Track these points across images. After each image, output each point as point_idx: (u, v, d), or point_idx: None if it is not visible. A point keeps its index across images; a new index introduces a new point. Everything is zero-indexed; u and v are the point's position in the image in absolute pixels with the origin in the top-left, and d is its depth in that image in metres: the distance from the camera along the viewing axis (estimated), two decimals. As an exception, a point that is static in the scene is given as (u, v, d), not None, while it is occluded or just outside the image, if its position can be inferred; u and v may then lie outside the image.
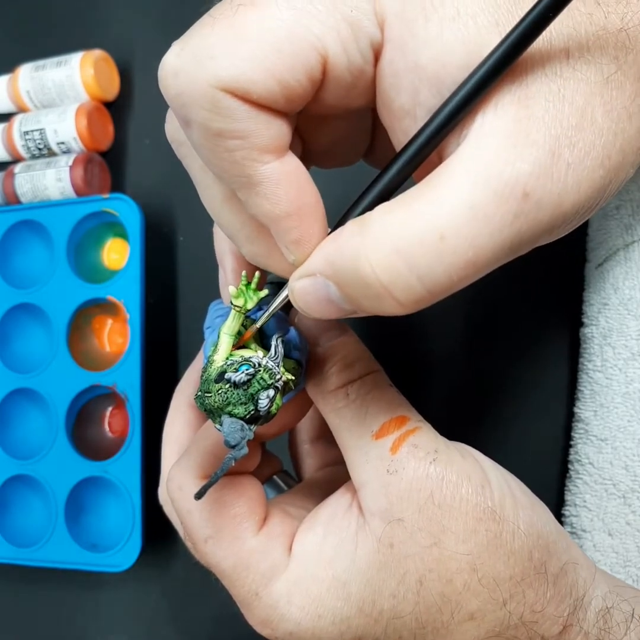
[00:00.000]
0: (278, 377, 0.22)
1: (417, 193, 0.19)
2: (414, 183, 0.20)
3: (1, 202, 0.48)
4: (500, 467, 0.25)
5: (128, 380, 0.42)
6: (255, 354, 0.23)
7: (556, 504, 0.37)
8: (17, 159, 0.49)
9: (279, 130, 0.20)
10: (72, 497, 0.43)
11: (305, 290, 0.21)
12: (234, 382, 0.22)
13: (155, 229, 0.46)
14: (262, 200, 0.20)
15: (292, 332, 0.25)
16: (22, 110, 0.49)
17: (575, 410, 0.36)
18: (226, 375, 0.22)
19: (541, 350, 0.39)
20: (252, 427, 0.22)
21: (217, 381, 0.22)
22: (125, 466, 0.42)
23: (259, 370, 0.22)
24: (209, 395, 0.22)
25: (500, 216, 0.18)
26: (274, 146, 0.20)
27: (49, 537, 0.43)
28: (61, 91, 0.47)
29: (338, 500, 0.25)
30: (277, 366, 0.22)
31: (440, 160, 0.19)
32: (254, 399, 0.22)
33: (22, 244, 0.47)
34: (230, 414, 0.22)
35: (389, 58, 0.19)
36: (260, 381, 0.22)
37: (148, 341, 0.43)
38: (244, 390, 0.22)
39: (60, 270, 0.44)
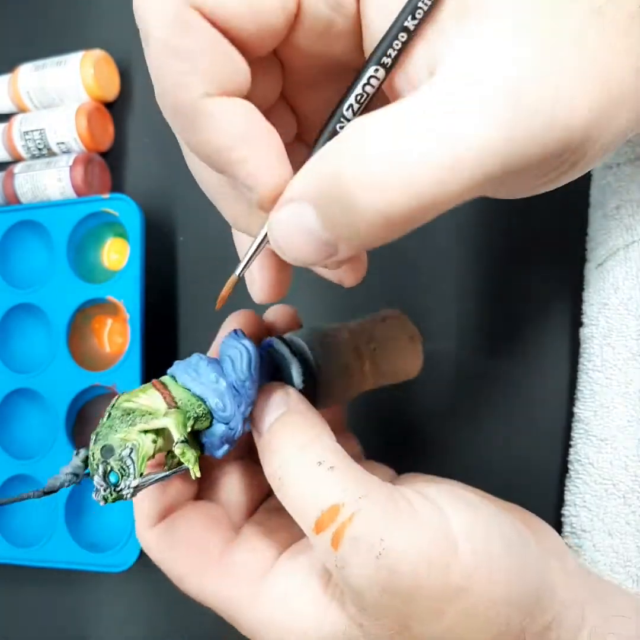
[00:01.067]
0: (116, 491, 0.23)
1: (398, 101, 0.17)
2: None
3: (1, 202, 0.48)
4: (481, 506, 0.24)
5: (128, 381, 0.42)
6: (119, 463, 0.23)
7: (556, 504, 0.37)
8: (17, 159, 0.49)
9: (236, 68, 0.19)
10: (72, 497, 0.43)
11: (283, 222, 0.19)
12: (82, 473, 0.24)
13: (155, 229, 0.46)
14: (204, 135, 0.19)
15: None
16: (22, 110, 0.49)
17: (575, 410, 0.36)
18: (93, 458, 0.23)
19: (541, 350, 0.39)
20: (75, 481, 0.24)
21: (94, 442, 0.23)
22: (125, 466, 0.42)
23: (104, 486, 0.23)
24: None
25: (488, 116, 0.16)
26: (226, 85, 0.18)
27: (49, 537, 0.43)
28: (61, 91, 0.47)
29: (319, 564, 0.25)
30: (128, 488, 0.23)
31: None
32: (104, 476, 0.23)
33: (22, 244, 0.47)
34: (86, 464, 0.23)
35: None
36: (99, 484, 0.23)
37: (148, 341, 0.43)
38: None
39: (60, 270, 0.44)
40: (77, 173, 0.45)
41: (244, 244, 0.25)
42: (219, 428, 0.25)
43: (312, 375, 0.28)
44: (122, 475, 0.22)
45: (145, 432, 0.23)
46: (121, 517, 0.43)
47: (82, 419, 0.45)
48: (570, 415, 0.37)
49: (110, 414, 0.24)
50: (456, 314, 0.41)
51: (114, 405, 0.24)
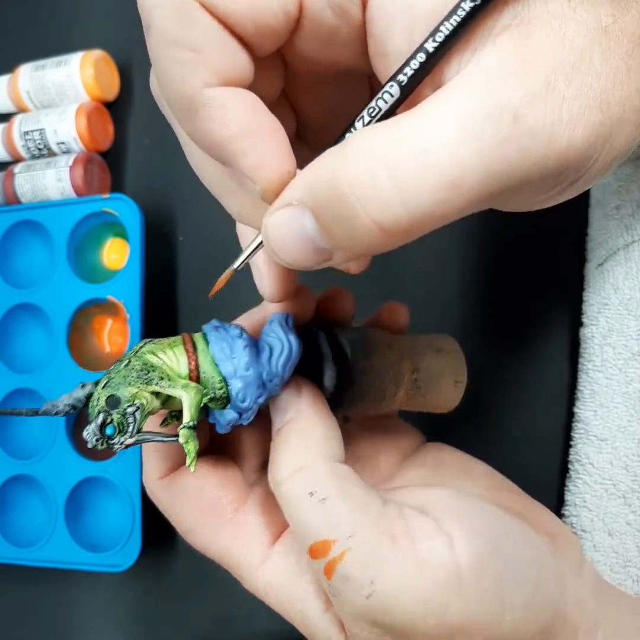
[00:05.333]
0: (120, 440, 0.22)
1: (403, 114, 0.18)
2: None
3: (1, 202, 0.48)
4: (500, 525, 0.23)
5: (128, 380, 0.42)
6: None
7: (556, 504, 0.37)
8: (17, 159, 0.49)
9: (239, 60, 0.19)
10: (72, 497, 0.43)
11: (279, 224, 0.19)
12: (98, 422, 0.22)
13: (155, 229, 0.46)
14: (208, 124, 0.18)
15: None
16: (22, 110, 0.49)
17: (575, 410, 0.36)
18: (111, 398, 0.22)
19: (541, 350, 0.39)
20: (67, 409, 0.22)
21: (107, 399, 0.22)
22: (125, 466, 0.42)
23: (111, 414, 0.22)
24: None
25: (488, 137, 0.17)
26: (228, 76, 0.18)
27: (49, 537, 0.43)
28: (61, 91, 0.47)
29: None
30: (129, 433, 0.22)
31: None
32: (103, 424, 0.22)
33: (22, 244, 0.47)
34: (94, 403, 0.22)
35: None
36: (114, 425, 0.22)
37: (148, 341, 0.43)
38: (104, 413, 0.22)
39: (60, 270, 0.44)
40: (77, 173, 0.45)
41: (246, 236, 0.25)
42: (230, 414, 0.24)
43: (343, 388, 0.26)
44: (120, 431, 0.22)
45: (157, 394, 0.22)
46: (121, 517, 0.43)
47: (82, 419, 0.45)
48: (570, 415, 0.37)
49: (129, 362, 0.22)
50: (456, 313, 0.41)
51: (136, 352, 0.22)
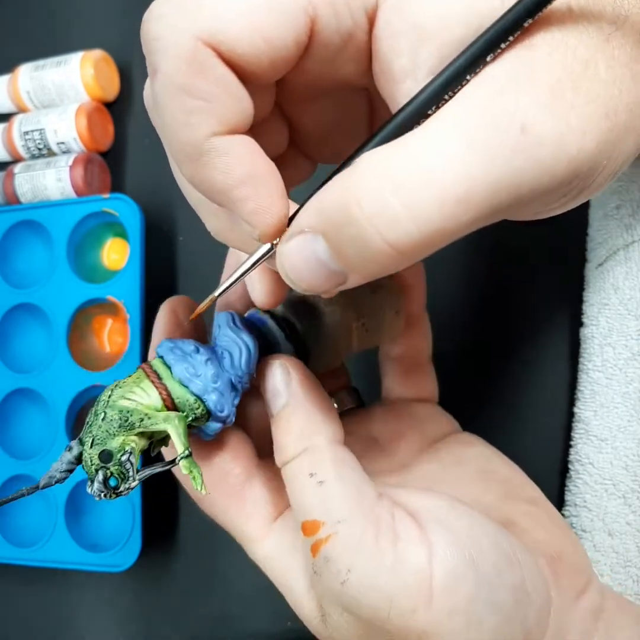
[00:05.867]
0: (118, 489, 0.23)
1: (409, 135, 0.18)
2: None
3: (1, 202, 0.48)
4: (491, 546, 0.22)
5: (128, 380, 0.42)
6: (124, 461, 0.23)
7: (556, 504, 0.37)
8: (17, 159, 0.49)
9: (245, 107, 0.19)
10: (72, 497, 0.43)
11: (292, 252, 0.19)
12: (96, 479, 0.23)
13: (155, 229, 0.46)
14: (210, 172, 0.18)
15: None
16: (22, 110, 0.49)
17: (575, 410, 0.36)
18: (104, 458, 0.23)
19: (541, 350, 0.39)
20: (67, 469, 0.24)
21: (99, 453, 0.23)
22: (125, 466, 0.42)
23: (108, 468, 0.22)
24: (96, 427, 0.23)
25: (495, 147, 0.16)
26: (233, 124, 0.18)
27: (49, 537, 0.43)
28: (61, 91, 0.47)
29: None
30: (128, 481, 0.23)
31: None
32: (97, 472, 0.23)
33: (22, 244, 0.47)
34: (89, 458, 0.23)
35: (386, 19, 0.19)
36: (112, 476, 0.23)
37: (148, 341, 0.43)
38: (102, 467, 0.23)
39: (60, 270, 0.44)
40: (77, 173, 0.45)
41: (232, 266, 0.25)
42: (214, 425, 0.24)
43: (301, 357, 0.27)
44: (122, 480, 0.22)
45: (142, 432, 0.23)
46: (121, 517, 0.43)
47: (82, 419, 0.45)
48: (570, 415, 0.37)
49: (105, 414, 0.23)
50: (456, 313, 0.41)
51: (108, 404, 0.23)
